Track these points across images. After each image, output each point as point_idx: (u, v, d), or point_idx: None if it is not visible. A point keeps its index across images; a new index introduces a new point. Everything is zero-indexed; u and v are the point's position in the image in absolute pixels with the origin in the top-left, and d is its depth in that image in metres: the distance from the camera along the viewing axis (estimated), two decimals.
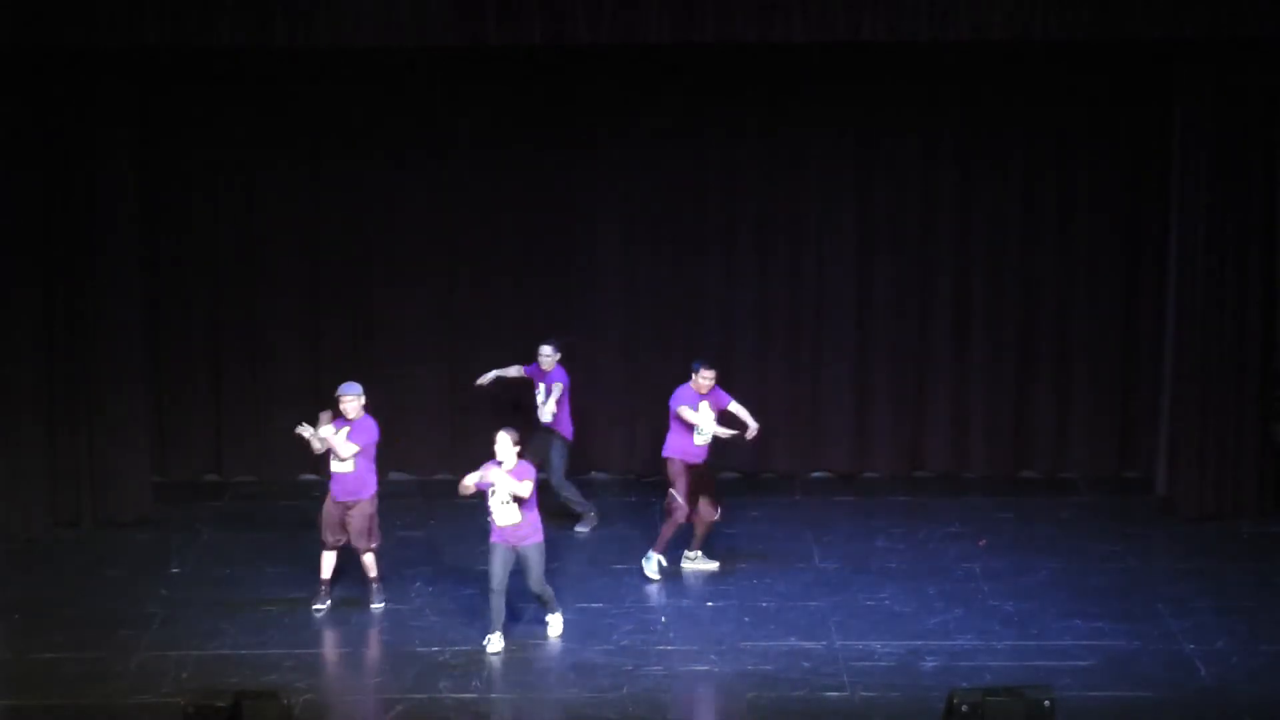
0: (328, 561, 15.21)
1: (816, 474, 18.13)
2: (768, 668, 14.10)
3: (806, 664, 14.14)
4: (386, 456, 18.11)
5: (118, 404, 16.81)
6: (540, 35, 15.69)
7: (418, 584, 15.60)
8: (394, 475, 18.17)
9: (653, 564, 15.76)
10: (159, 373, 17.78)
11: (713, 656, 14.28)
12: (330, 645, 14.44)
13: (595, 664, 14.19)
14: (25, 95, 16.13)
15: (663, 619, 14.93)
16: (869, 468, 18.28)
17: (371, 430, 15.07)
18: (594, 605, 15.15)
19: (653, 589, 15.40)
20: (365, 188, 17.72)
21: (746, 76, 17.48)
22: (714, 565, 15.93)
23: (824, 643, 14.46)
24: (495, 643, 14.36)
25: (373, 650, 14.35)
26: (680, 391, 15.66)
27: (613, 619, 14.92)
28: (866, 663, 14.09)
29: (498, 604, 14.36)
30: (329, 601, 15.17)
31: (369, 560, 15.22)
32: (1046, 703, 12.08)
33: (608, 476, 17.96)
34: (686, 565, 15.91)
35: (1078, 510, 17.39)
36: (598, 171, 17.81)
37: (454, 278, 17.95)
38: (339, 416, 15.06)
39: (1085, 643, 14.43)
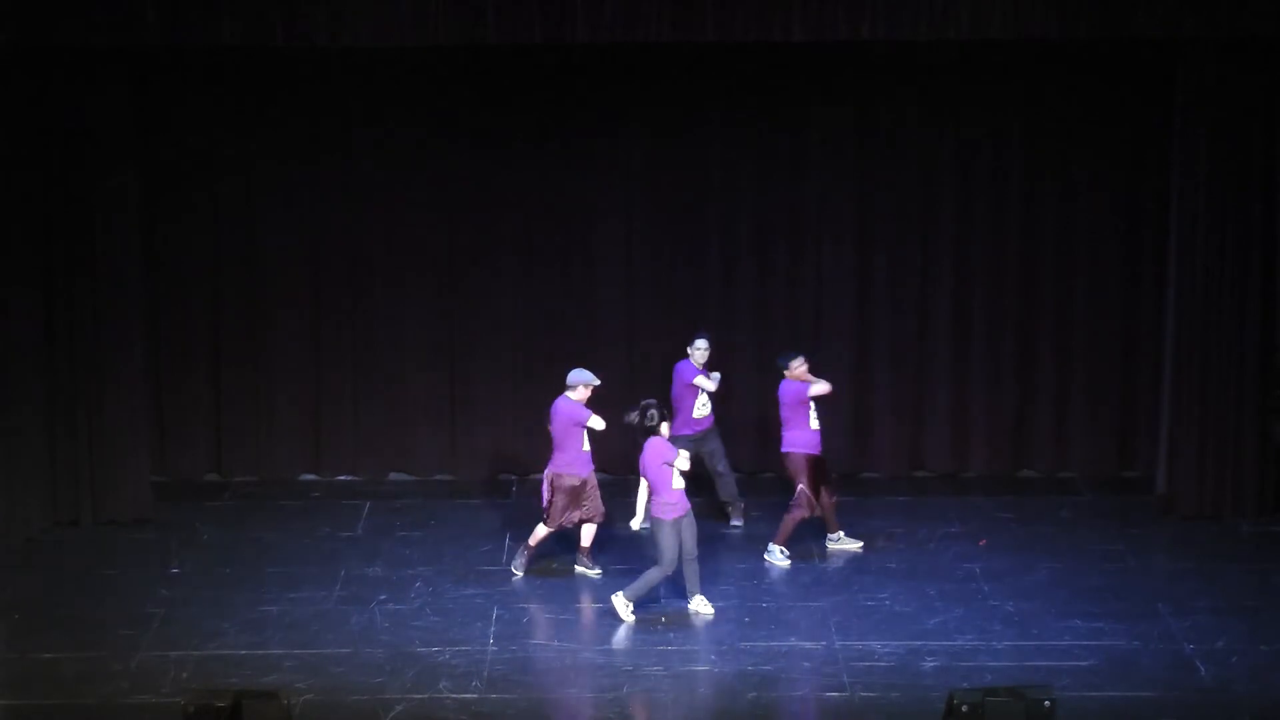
0: (539, 539, 15.74)
1: None
2: (768, 668, 14.10)
3: (806, 664, 14.14)
4: (386, 456, 18.21)
5: (118, 404, 16.80)
6: (540, 35, 15.69)
7: (418, 584, 15.60)
8: (394, 475, 18.20)
9: (775, 554, 16.02)
10: (159, 373, 17.79)
11: (713, 656, 14.28)
12: (330, 645, 14.42)
13: (595, 664, 14.19)
14: (25, 95, 16.13)
15: (663, 619, 14.93)
16: (869, 468, 18.28)
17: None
18: (594, 605, 15.14)
19: (652, 589, 15.37)
20: (365, 187, 17.73)
21: (746, 76, 17.48)
22: (858, 545, 16.26)
23: (824, 643, 14.46)
24: (703, 604, 14.95)
25: (373, 650, 14.34)
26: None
27: (613, 619, 14.91)
28: (866, 663, 14.09)
29: (658, 580, 14.87)
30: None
31: (592, 533, 15.70)
32: (1046, 703, 12.06)
33: (608, 477, 17.93)
34: (832, 547, 16.25)
35: (1078, 510, 17.39)
36: (598, 171, 17.82)
37: (454, 277, 17.95)
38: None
39: (1085, 643, 14.42)
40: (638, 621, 14.83)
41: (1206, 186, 16.55)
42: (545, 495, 15.68)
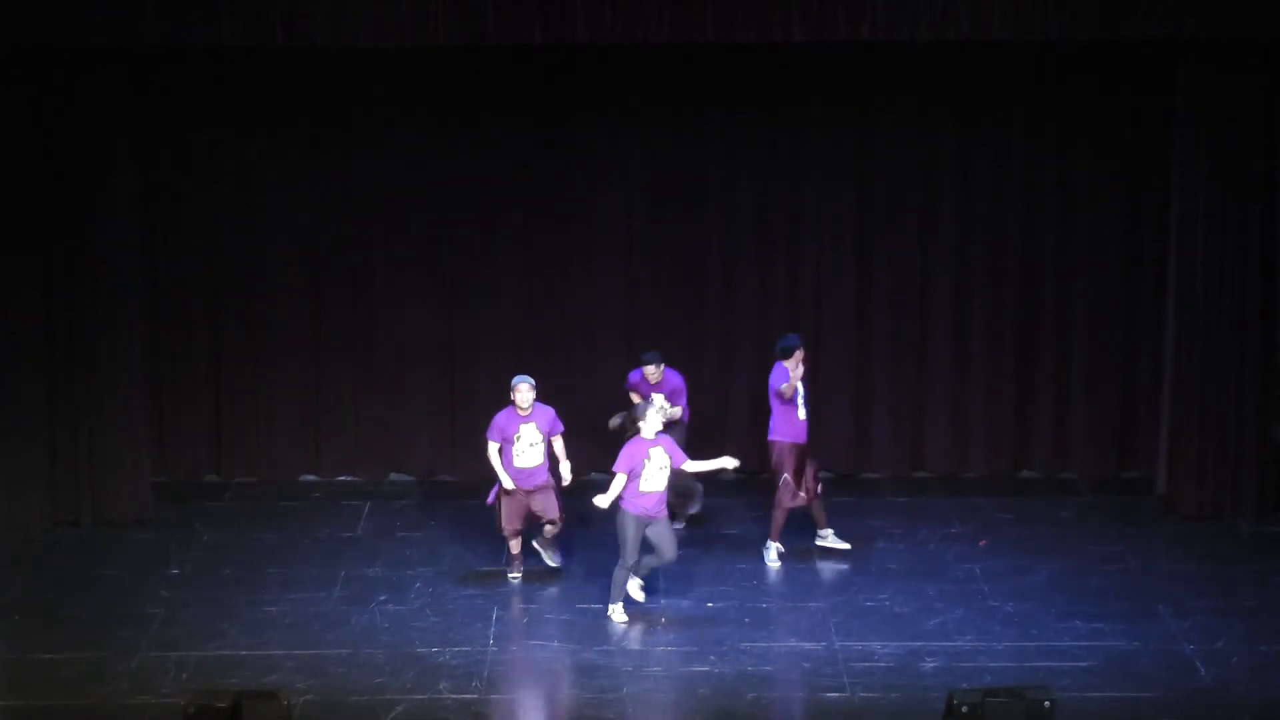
0: (516, 544, 15.66)
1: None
2: (768, 668, 14.11)
3: (806, 665, 14.14)
4: (386, 456, 18.22)
5: (117, 404, 16.79)
6: (540, 35, 15.69)
7: (418, 584, 15.60)
8: (394, 476, 18.21)
9: (772, 552, 16.02)
10: (159, 373, 17.79)
11: (712, 657, 14.28)
12: (330, 645, 14.43)
13: (595, 664, 14.19)
14: (25, 95, 16.14)
15: (663, 619, 14.93)
16: (869, 468, 18.28)
17: (551, 414, 15.63)
18: (594, 605, 15.14)
19: (653, 589, 15.36)
20: (365, 188, 17.73)
21: (746, 76, 17.48)
22: (846, 545, 16.16)
23: (824, 643, 14.46)
24: (620, 613, 14.90)
25: (373, 650, 14.34)
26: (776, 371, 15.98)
27: (612, 621, 14.91)
28: (866, 663, 14.09)
29: (626, 579, 14.88)
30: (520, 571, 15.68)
31: (553, 531, 15.56)
32: (1046, 703, 12.08)
33: (606, 477, 17.93)
34: (821, 544, 16.17)
35: (1078, 510, 17.38)
36: (598, 171, 17.82)
37: (454, 277, 17.95)
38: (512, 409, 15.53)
39: (1085, 643, 14.43)
40: (638, 621, 14.84)
41: (1206, 186, 16.55)
42: (492, 494, 15.67)
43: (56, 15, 15.44)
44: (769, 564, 16.02)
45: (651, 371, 16.48)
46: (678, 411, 16.45)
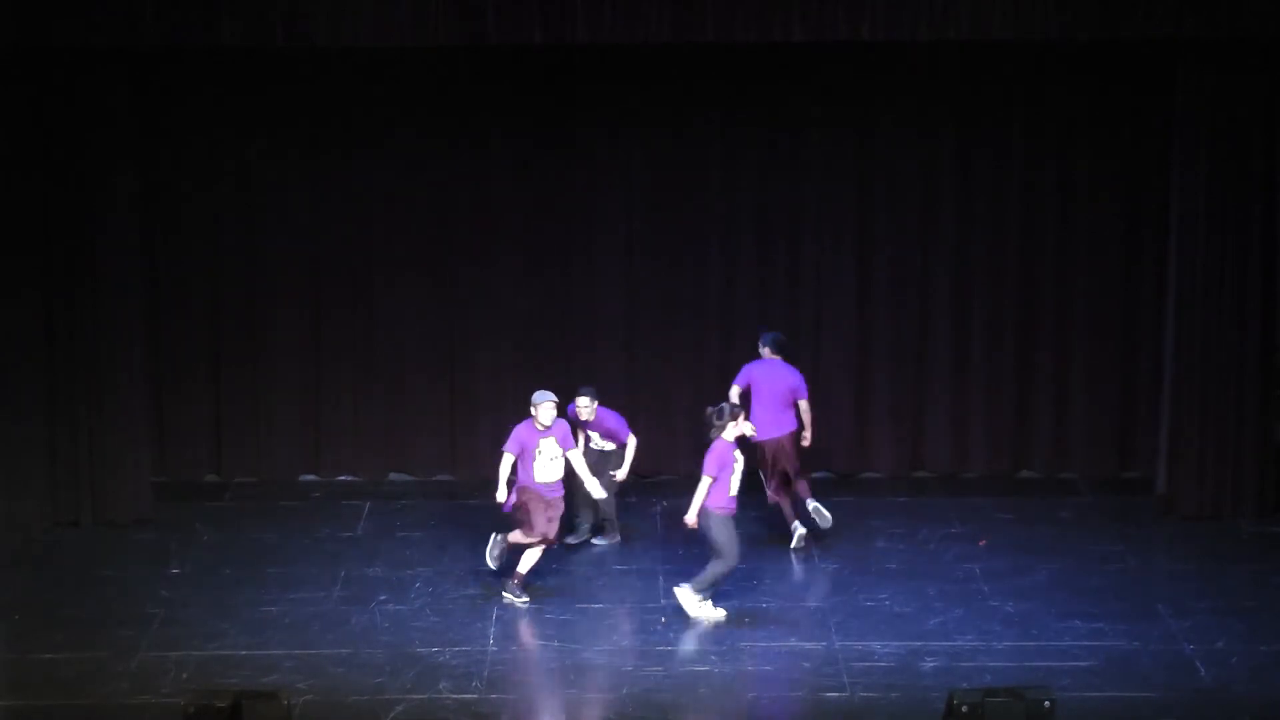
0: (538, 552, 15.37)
1: (817, 474, 18.06)
2: (768, 668, 14.10)
3: (806, 664, 14.14)
4: (386, 456, 18.21)
5: (117, 404, 16.79)
6: (540, 35, 15.70)
7: (418, 584, 15.60)
8: (394, 475, 18.20)
9: (803, 532, 16.29)
10: (159, 372, 17.78)
11: (713, 657, 14.28)
12: (330, 645, 14.43)
13: (595, 664, 14.19)
14: (25, 95, 16.14)
15: (663, 619, 14.93)
16: (869, 468, 18.28)
17: (565, 428, 15.43)
18: (594, 605, 15.15)
19: (653, 589, 15.37)
20: (365, 188, 17.73)
21: (746, 76, 17.48)
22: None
23: (824, 643, 14.46)
24: (710, 609, 14.93)
25: (373, 650, 14.34)
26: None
27: (613, 619, 14.93)
28: (866, 663, 14.09)
29: (722, 577, 14.91)
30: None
31: (537, 551, 15.25)
32: (1047, 703, 12.07)
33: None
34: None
35: (1078, 510, 17.38)
36: (598, 171, 17.81)
37: (453, 278, 17.95)
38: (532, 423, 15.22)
39: (1085, 643, 14.43)
40: (638, 621, 14.83)
41: (1206, 186, 16.55)
42: (509, 502, 15.40)
43: (56, 15, 15.45)
44: (822, 520, 16.30)
45: (583, 405, 16.16)
46: (625, 463, 16.41)
